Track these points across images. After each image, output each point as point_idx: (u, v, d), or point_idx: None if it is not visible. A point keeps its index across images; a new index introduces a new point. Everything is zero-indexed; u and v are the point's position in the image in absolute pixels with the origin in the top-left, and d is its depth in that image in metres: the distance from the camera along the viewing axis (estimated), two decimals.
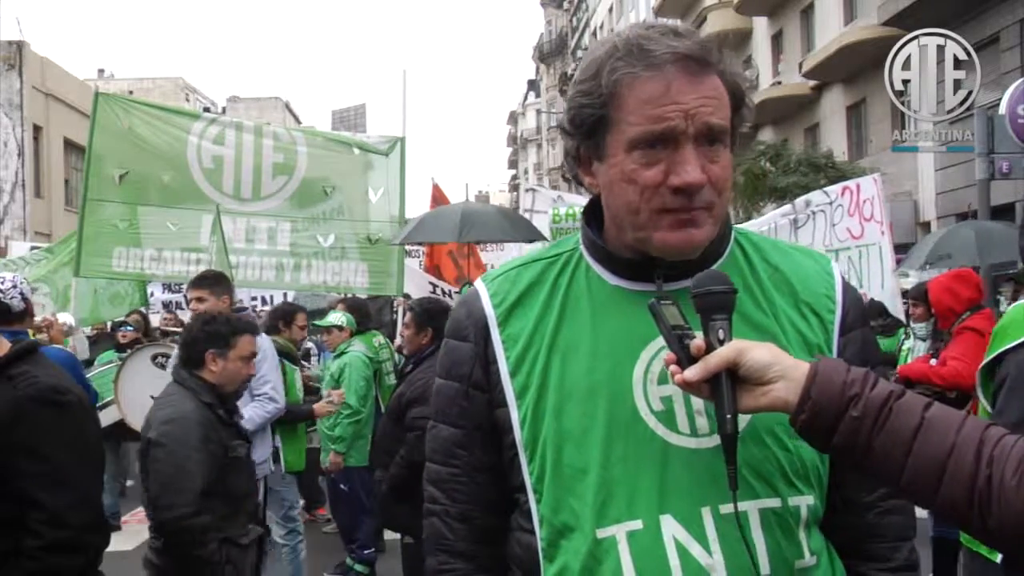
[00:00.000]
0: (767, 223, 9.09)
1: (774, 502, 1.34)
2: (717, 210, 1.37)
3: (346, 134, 10.57)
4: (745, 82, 1.41)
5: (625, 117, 1.33)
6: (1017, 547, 1.13)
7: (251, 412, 4.98)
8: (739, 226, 1.56)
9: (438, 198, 10.88)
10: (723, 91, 1.35)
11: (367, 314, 7.77)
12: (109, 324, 10.39)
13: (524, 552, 1.43)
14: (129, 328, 9.13)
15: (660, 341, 1.35)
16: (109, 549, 2.52)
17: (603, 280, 1.45)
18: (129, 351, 7.73)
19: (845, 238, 8.79)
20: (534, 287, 1.47)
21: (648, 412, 1.36)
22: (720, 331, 1.25)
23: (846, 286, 1.48)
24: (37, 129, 26.10)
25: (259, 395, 5.15)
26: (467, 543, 1.50)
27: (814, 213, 8.96)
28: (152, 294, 12.05)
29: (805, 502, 1.36)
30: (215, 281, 5.29)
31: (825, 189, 9.40)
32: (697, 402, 1.34)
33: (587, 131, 1.39)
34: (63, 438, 2.38)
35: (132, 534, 8.03)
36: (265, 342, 5.18)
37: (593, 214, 1.51)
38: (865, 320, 1.50)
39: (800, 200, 9.40)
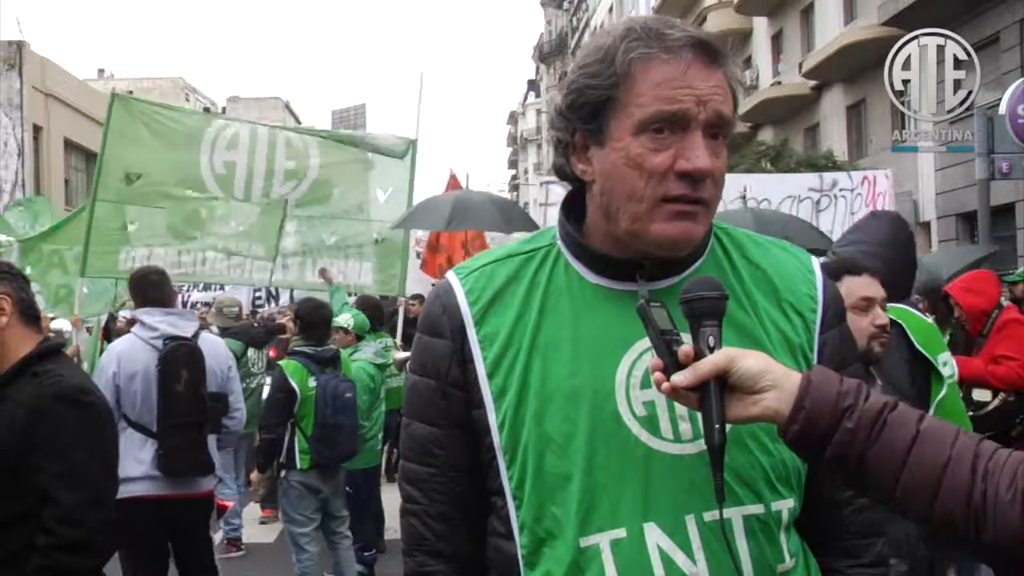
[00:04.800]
0: (793, 192, 8.93)
1: (757, 508, 1.32)
2: (712, 207, 1.35)
3: (360, 133, 10.40)
4: (741, 88, 1.39)
5: (635, 99, 1.30)
6: (1011, 563, 1.12)
7: None
8: (724, 222, 1.51)
9: (455, 188, 10.79)
10: (727, 87, 1.34)
11: (380, 316, 7.81)
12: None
13: (501, 557, 1.40)
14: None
15: (642, 344, 1.32)
16: None
17: (583, 278, 1.41)
18: None
19: None
20: (511, 284, 1.42)
21: (631, 417, 1.33)
22: (710, 338, 1.21)
23: (826, 282, 1.46)
24: (37, 129, 26.08)
25: None
26: (447, 543, 1.46)
27: (836, 197, 8.86)
28: None
29: (786, 506, 1.35)
30: None
31: (850, 173, 9.29)
32: (680, 407, 1.31)
33: (589, 114, 1.35)
34: (83, 438, 2.41)
35: None
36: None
37: (570, 208, 1.46)
38: (843, 316, 1.48)
39: (828, 176, 9.28)
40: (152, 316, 4.72)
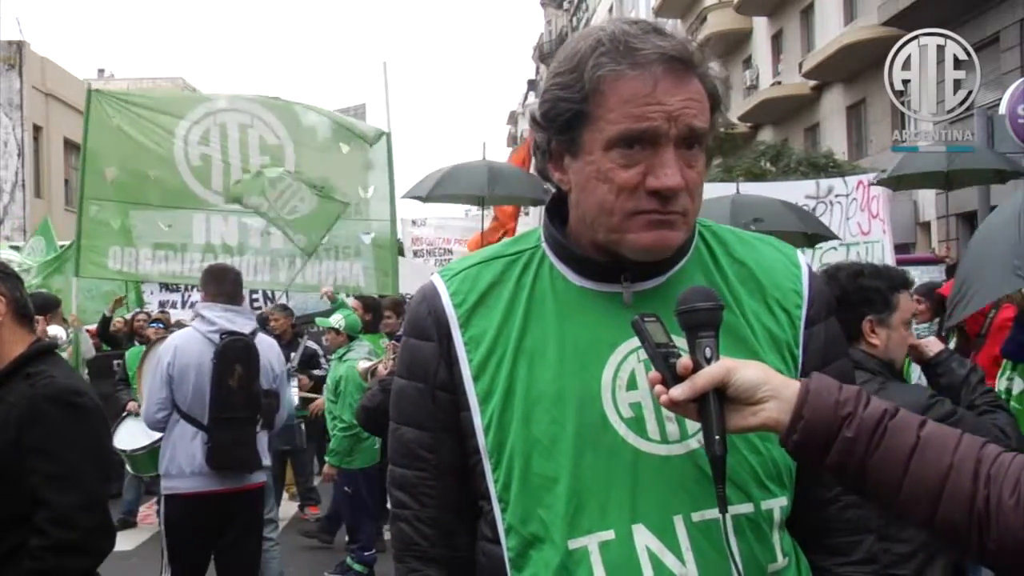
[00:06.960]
0: (790, 199, 8.82)
1: (747, 508, 1.32)
2: (690, 216, 1.35)
3: (326, 109, 9.81)
4: (723, 84, 1.37)
5: (605, 115, 1.29)
6: (1015, 569, 1.11)
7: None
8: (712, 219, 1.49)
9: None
10: (704, 94, 1.32)
11: (380, 315, 7.81)
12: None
13: (488, 561, 1.39)
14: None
15: (628, 345, 1.33)
16: None
17: (568, 280, 1.40)
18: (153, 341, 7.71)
19: (856, 232, 8.73)
20: (495, 287, 1.42)
21: (617, 419, 1.33)
22: (707, 349, 1.21)
23: (812, 277, 1.45)
24: (37, 129, 26.07)
25: None
26: (438, 548, 1.45)
27: (832, 203, 8.86)
28: (151, 293, 12.03)
29: (778, 504, 1.35)
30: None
31: (845, 179, 9.29)
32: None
33: (562, 126, 1.34)
34: (76, 439, 2.40)
35: (134, 534, 8.03)
36: (164, 354, 4.77)
37: (556, 211, 1.46)
38: (830, 311, 1.47)
39: (824, 183, 9.29)
40: (212, 311, 4.79)
